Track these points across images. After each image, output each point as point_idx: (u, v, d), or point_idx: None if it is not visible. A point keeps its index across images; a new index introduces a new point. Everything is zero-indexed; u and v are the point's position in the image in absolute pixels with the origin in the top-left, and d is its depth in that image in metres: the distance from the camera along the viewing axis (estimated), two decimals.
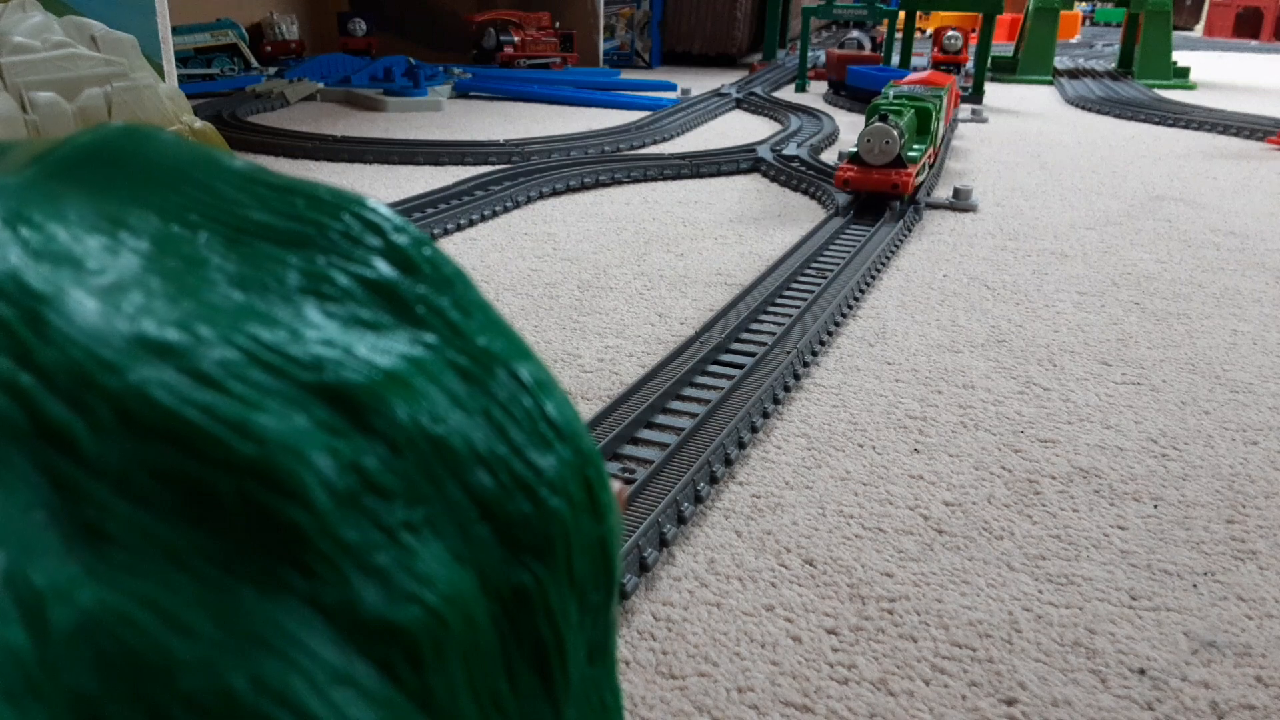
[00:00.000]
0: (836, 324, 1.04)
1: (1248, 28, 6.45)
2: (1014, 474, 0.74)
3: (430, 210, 1.45)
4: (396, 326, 0.19)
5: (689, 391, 0.86)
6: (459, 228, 1.40)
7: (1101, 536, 0.66)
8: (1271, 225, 1.55)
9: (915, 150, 1.55)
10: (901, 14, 3.05)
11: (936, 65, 3.38)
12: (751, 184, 1.76)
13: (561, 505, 0.20)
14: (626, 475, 0.69)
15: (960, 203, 1.60)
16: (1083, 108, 2.91)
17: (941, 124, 1.73)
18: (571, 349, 0.97)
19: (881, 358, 0.96)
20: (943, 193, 1.68)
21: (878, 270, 1.24)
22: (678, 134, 2.27)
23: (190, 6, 2.89)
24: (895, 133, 1.42)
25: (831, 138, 2.21)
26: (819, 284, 1.14)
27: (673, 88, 3.00)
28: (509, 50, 3.38)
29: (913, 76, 1.89)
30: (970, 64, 3.05)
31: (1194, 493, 0.72)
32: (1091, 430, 0.82)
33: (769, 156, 1.86)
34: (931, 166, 1.73)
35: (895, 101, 1.59)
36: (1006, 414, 0.84)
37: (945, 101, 1.75)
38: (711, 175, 1.82)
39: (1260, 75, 4.10)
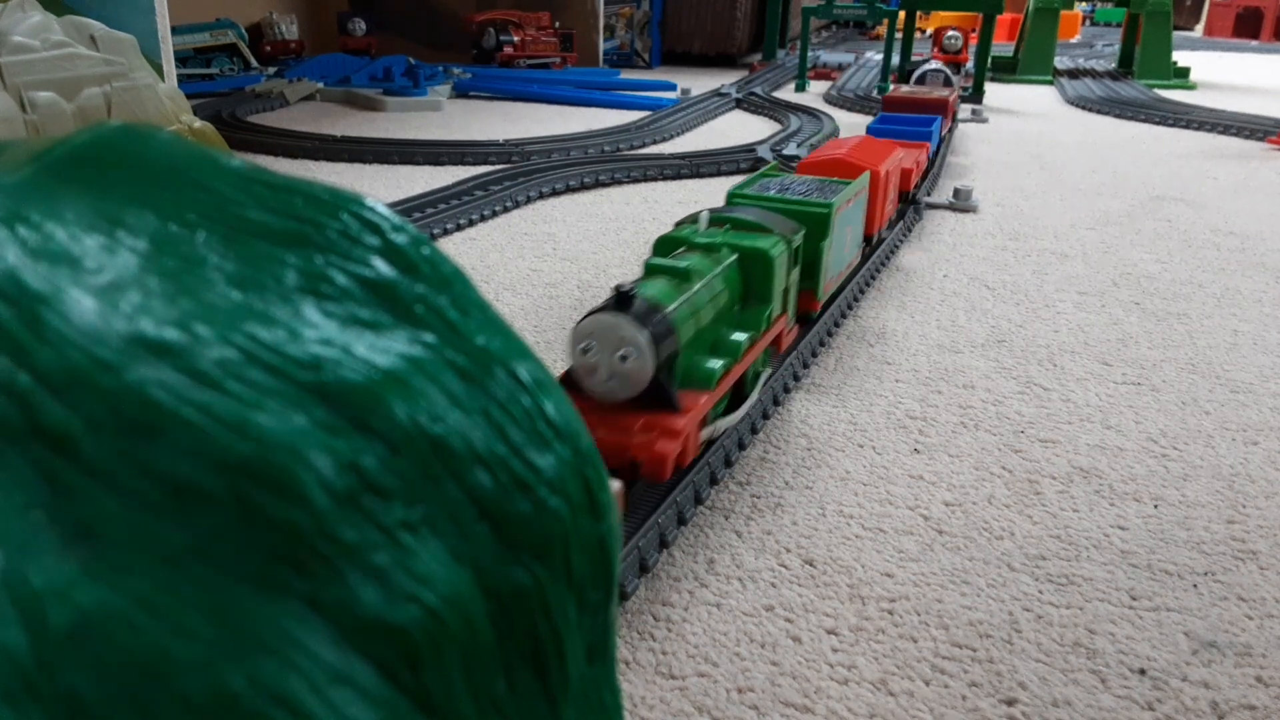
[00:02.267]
0: (836, 324, 1.04)
1: (1248, 28, 6.45)
2: (1014, 474, 0.74)
3: (430, 210, 1.45)
4: (395, 326, 0.19)
5: None
6: (459, 228, 1.40)
7: (1102, 536, 0.66)
8: (1272, 225, 1.54)
9: (719, 358, 0.67)
10: (901, 14, 3.05)
11: None
12: None
13: (560, 505, 0.20)
14: None
15: (960, 203, 1.60)
16: (1083, 108, 2.91)
17: (832, 254, 0.93)
18: None
19: (881, 358, 0.96)
20: (943, 193, 1.68)
21: (878, 270, 1.24)
22: (678, 134, 2.27)
23: (189, 6, 2.89)
24: (643, 338, 0.60)
25: (832, 138, 2.21)
26: None
27: (672, 88, 3.00)
28: (509, 50, 3.38)
29: (825, 149, 1.19)
30: (970, 64, 3.04)
31: (1194, 493, 0.72)
32: (1092, 430, 0.82)
33: (769, 156, 1.85)
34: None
35: (699, 240, 0.75)
36: (1007, 414, 0.84)
37: (841, 211, 0.94)
38: (711, 175, 1.82)
39: (1260, 75, 4.10)
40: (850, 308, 1.08)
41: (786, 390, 0.86)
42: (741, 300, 0.75)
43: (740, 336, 0.71)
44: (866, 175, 1.08)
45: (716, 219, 0.80)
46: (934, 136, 1.70)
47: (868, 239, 1.16)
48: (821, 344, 0.98)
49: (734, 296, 0.74)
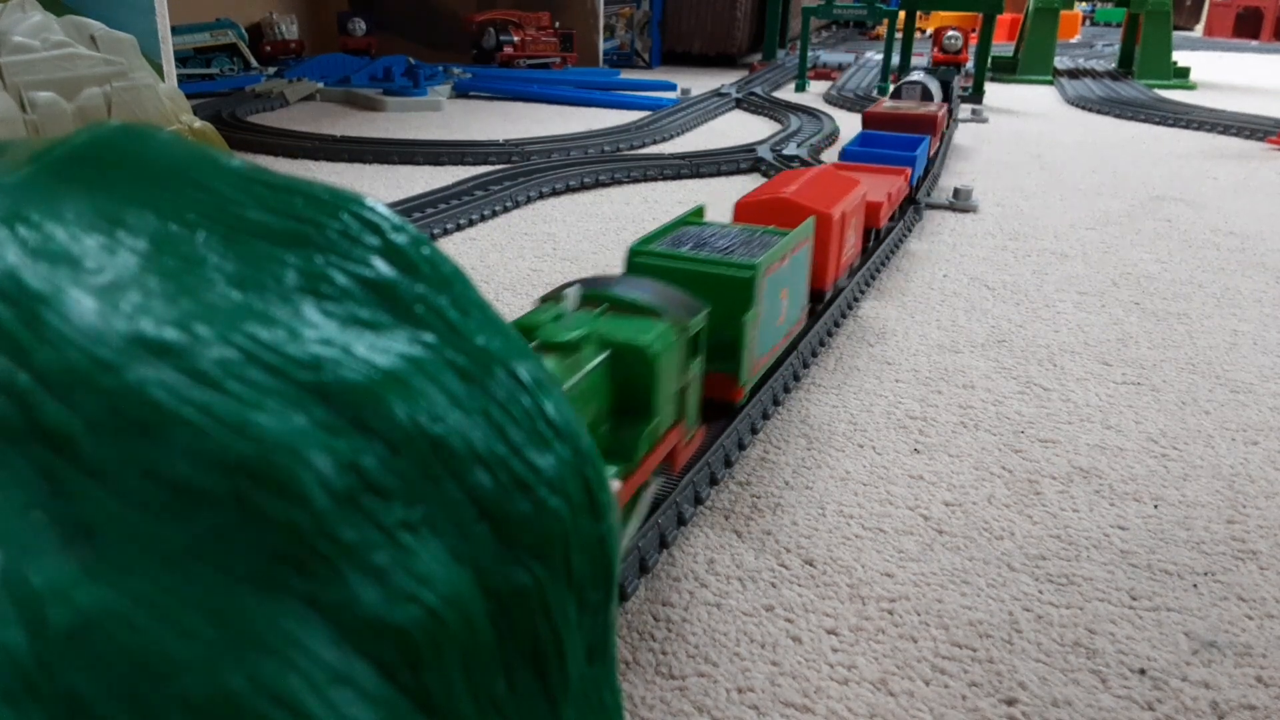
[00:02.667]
0: (837, 324, 1.04)
1: (1248, 28, 6.45)
2: (1014, 474, 0.74)
3: (430, 210, 1.45)
4: (395, 326, 0.19)
5: None
6: (458, 228, 1.40)
7: (1102, 536, 0.66)
8: (1272, 225, 1.54)
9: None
10: (901, 14, 3.06)
11: (936, 65, 3.38)
12: (751, 184, 1.76)
13: (560, 505, 0.20)
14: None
15: (960, 203, 1.60)
16: (1083, 108, 2.91)
17: (760, 328, 0.74)
18: None
19: (881, 358, 0.96)
20: (943, 193, 1.68)
21: (878, 270, 1.24)
22: (678, 134, 2.27)
23: (190, 6, 2.89)
24: None
25: (832, 137, 2.21)
26: None
27: (672, 88, 3.00)
28: (509, 50, 3.38)
29: (771, 184, 0.98)
30: (970, 64, 3.05)
31: (1194, 493, 0.72)
32: (1092, 430, 0.82)
33: (769, 156, 1.86)
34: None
35: (557, 335, 0.51)
36: (1007, 414, 0.84)
37: (773, 271, 0.75)
38: (711, 175, 1.82)
39: (1260, 75, 4.10)
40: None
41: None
42: (614, 414, 0.54)
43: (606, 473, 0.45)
44: (811, 221, 0.86)
45: (590, 296, 0.59)
46: (918, 161, 1.47)
47: (818, 295, 0.93)
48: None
49: (602, 412, 0.53)
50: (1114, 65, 3.99)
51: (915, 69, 2.11)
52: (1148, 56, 3.49)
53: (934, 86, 1.94)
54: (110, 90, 1.33)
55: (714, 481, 0.70)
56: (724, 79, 3.36)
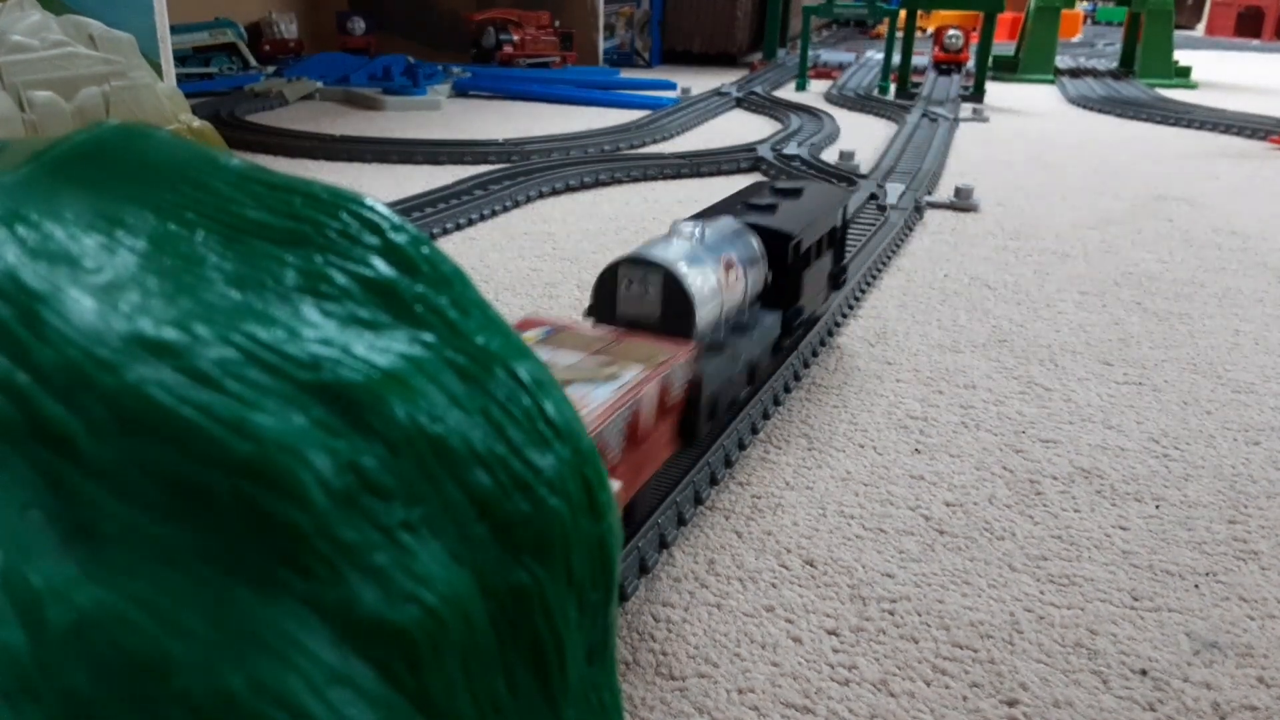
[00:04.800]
0: (837, 324, 1.03)
1: (1249, 27, 6.46)
2: (1015, 474, 0.74)
3: (429, 210, 1.45)
4: (395, 325, 0.19)
5: None
6: (458, 227, 1.40)
7: (1103, 537, 0.66)
8: (1274, 225, 1.54)
9: None
10: (902, 13, 3.05)
11: (937, 65, 3.38)
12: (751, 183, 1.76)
13: (560, 505, 0.20)
14: None
15: (961, 202, 1.60)
16: (1084, 107, 2.91)
17: None
18: None
19: (882, 358, 0.96)
20: (944, 192, 1.68)
21: (879, 270, 1.24)
22: (678, 133, 2.27)
23: (188, 5, 2.89)
24: None
25: (832, 137, 2.21)
26: None
27: (672, 87, 3.00)
28: (508, 49, 3.38)
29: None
30: (971, 63, 3.04)
31: (1196, 493, 0.72)
32: (1093, 430, 0.82)
33: (769, 156, 1.85)
34: None
35: None
36: (1008, 414, 0.84)
37: None
38: (712, 175, 1.82)
39: (1262, 75, 4.10)
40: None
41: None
42: None
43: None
44: None
45: None
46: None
47: None
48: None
49: None
50: (1115, 64, 3.98)
51: (681, 230, 0.70)
52: (1149, 56, 3.49)
53: (718, 268, 0.68)
54: (109, 89, 1.33)
55: (714, 482, 0.71)
56: (724, 78, 3.36)
